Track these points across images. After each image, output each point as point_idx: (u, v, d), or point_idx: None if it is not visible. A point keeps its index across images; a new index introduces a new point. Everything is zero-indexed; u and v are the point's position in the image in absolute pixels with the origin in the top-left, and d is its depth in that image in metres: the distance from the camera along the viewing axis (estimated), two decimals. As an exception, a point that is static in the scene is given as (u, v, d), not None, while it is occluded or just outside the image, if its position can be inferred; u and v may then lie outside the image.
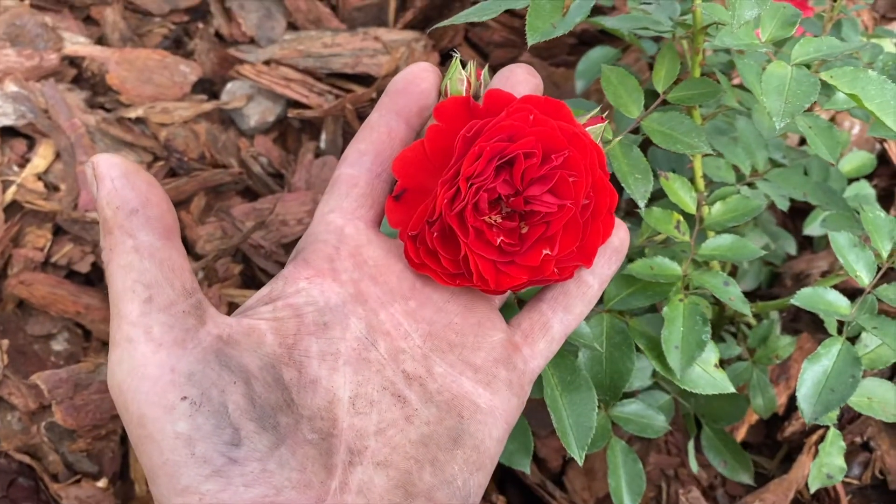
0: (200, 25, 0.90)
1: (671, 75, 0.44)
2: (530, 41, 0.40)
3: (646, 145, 0.47)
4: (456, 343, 0.36)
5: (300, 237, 0.42)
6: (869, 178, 0.75)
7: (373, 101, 0.84)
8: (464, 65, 0.39)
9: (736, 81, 0.63)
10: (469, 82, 0.37)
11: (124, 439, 0.64)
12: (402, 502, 0.32)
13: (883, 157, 0.80)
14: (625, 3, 0.63)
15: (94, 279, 0.72)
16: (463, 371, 0.36)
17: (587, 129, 0.37)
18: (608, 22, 0.51)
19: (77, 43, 0.84)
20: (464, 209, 0.34)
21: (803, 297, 0.44)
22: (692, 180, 0.49)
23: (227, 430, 0.30)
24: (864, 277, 0.45)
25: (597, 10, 0.85)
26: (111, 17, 0.87)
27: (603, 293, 0.46)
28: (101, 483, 0.61)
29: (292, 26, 0.92)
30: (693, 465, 0.57)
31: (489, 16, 0.43)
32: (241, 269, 0.72)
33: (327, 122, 0.83)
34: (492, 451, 0.35)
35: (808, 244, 0.76)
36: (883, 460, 0.68)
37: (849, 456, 0.69)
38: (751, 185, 0.53)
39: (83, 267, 0.72)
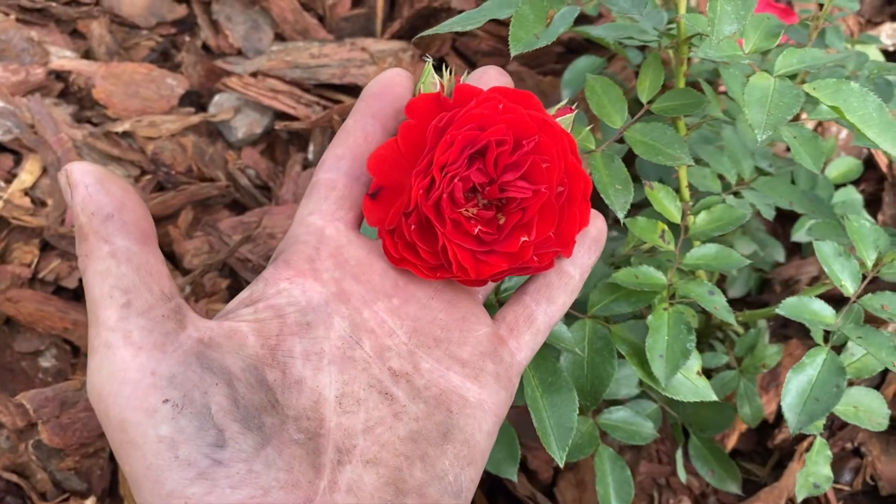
0: (187, 38, 0.90)
1: (655, 85, 0.44)
2: (513, 52, 0.40)
3: (634, 154, 0.47)
4: (441, 338, 0.36)
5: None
6: (856, 183, 0.76)
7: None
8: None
9: (723, 89, 0.63)
10: (442, 85, 0.37)
11: (113, 456, 0.64)
12: (393, 499, 0.32)
13: (870, 161, 0.80)
14: (611, 11, 0.63)
15: (83, 295, 0.72)
16: (450, 366, 0.36)
17: (557, 119, 0.37)
18: (594, 31, 0.51)
19: (63, 57, 0.84)
20: (440, 200, 0.34)
21: (788, 307, 0.44)
22: (679, 190, 0.49)
23: (210, 432, 0.30)
24: (850, 287, 0.45)
25: (584, 20, 0.85)
26: (97, 30, 0.87)
27: (586, 299, 0.46)
28: (90, 501, 0.61)
29: (280, 37, 0.91)
30: (681, 474, 0.57)
31: (473, 26, 0.44)
32: (228, 284, 0.72)
33: (315, 133, 0.83)
34: (482, 444, 0.35)
35: (797, 250, 0.77)
36: (874, 466, 0.68)
37: (840, 462, 0.69)
38: (736, 194, 0.53)
39: (71, 282, 0.72)
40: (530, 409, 0.42)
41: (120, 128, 0.79)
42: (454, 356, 0.36)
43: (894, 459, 0.68)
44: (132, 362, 0.30)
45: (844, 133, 0.81)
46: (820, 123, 0.81)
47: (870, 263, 0.46)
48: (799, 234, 0.69)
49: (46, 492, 0.62)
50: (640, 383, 0.52)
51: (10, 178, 0.77)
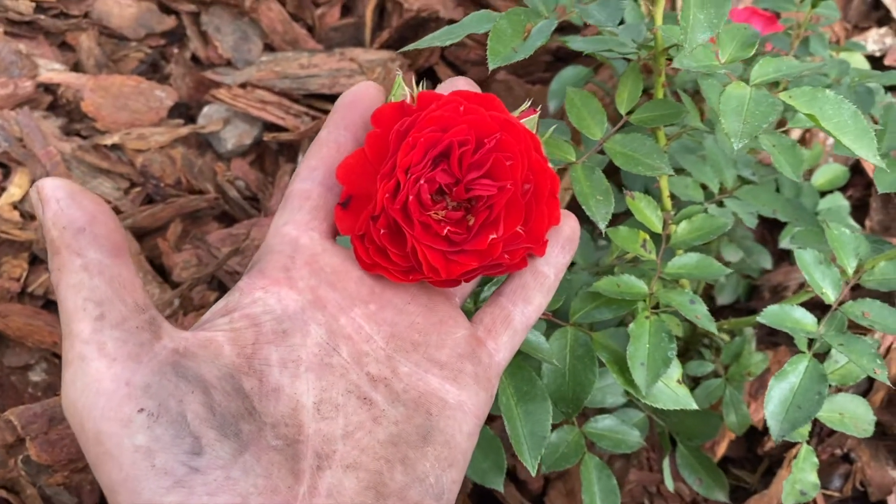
0: (176, 50, 0.90)
1: (634, 97, 0.45)
2: (491, 66, 0.41)
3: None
4: (419, 342, 0.36)
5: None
6: (844, 189, 0.76)
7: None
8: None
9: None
10: (412, 97, 0.37)
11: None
12: (374, 503, 0.32)
13: (857, 167, 0.80)
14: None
15: (71, 307, 0.72)
16: (428, 369, 0.36)
17: (521, 120, 0.38)
18: (574, 44, 0.51)
19: (52, 70, 0.84)
20: (406, 202, 0.34)
21: (770, 315, 0.44)
22: (661, 199, 0.49)
23: (187, 440, 0.30)
24: (831, 294, 0.45)
25: (571, 29, 0.86)
26: (86, 43, 0.87)
27: (568, 307, 0.46)
28: (79, 515, 0.61)
29: (269, 48, 0.92)
30: (668, 482, 0.57)
31: (453, 40, 0.44)
32: (216, 297, 0.72)
33: (304, 143, 0.84)
34: (463, 446, 0.35)
35: (786, 256, 0.77)
36: (863, 472, 0.68)
37: (829, 468, 0.69)
38: (719, 203, 0.54)
39: (60, 295, 0.71)
40: (504, 417, 0.42)
41: (109, 140, 0.79)
42: (432, 359, 0.36)
43: (883, 465, 0.68)
44: (106, 373, 0.30)
45: (832, 140, 0.82)
46: (808, 130, 0.81)
47: (850, 271, 0.46)
48: (786, 241, 0.69)
49: (35, 507, 0.62)
50: (627, 392, 0.52)
51: (-1, 191, 0.77)
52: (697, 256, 0.45)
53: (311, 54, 0.90)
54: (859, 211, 0.79)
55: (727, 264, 0.71)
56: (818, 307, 0.47)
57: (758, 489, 0.68)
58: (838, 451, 0.69)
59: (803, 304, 0.50)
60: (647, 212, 0.46)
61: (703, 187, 0.53)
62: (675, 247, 0.47)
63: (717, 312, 0.76)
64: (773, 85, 0.50)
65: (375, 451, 0.33)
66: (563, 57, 0.91)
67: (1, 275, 0.72)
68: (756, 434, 0.69)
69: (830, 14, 0.60)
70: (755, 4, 0.63)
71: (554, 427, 0.51)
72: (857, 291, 0.48)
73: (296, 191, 0.37)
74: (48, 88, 0.84)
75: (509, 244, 0.36)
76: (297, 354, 0.34)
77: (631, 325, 0.43)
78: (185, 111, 0.86)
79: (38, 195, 0.32)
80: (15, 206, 0.76)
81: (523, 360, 0.43)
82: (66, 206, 0.31)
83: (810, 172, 0.74)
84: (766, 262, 0.67)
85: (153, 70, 0.89)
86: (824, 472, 0.68)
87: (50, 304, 0.72)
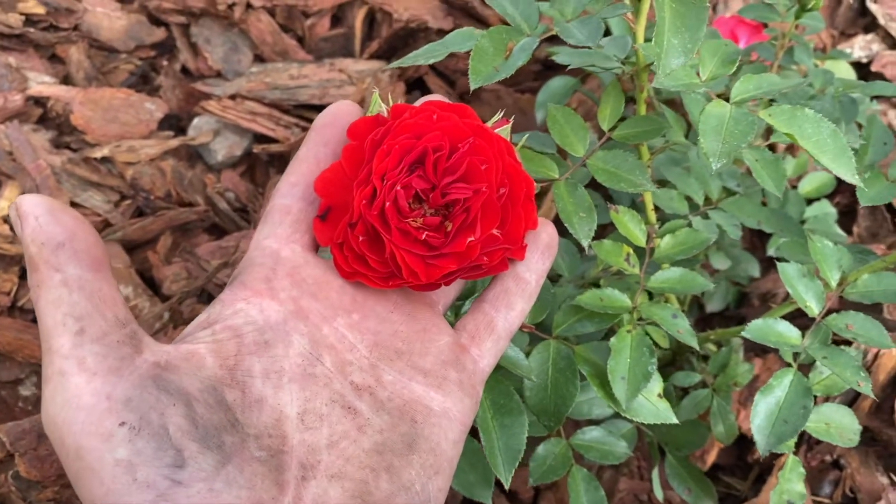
0: (166, 62, 0.90)
1: (616, 113, 0.45)
2: (473, 85, 0.41)
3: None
4: (403, 350, 0.36)
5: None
6: (831, 196, 0.76)
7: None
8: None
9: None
10: (389, 111, 0.37)
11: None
12: None
13: (845, 174, 0.81)
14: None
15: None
16: (412, 377, 0.36)
17: (495, 130, 0.38)
18: (559, 58, 0.52)
19: (42, 83, 0.85)
20: (383, 208, 0.34)
21: (754, 330, 0.44)
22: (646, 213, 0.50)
23: (169, 452, 0.29)
24: (814, 307, 0.45)
25: (560, 40, 0.86)
26: (76, 55, 0.87)
27: (551, 321, 0.46)
28: (70, 530, 0.61)
29: (259, 59, 0.92)
30: (657, 492, 0.57)
31: (435, 58, 0.44)
32: (207, 309, 0.72)
33: (294, 155, 0.84)
34: (449, 453, 0.35)
35: (775, 263, 0.77)
36: (853, 478, 0.68)
37: (819, 475, 0.69)
38: (704, 215, 0.54)
39: (50, 309, 0.72)
40: (480, 429, 0.42)
41: (99, 153, 0.80)
42: (416, 367, 0.36)
43: (873, 472, 0.68)
44: (86, 388, 0.30)
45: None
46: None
47: (833, 283, 0.46)
48: (774, 250, 0.70)
49: (26, 522, 0.62)
50: (613, 403, 0.52)
51: (-11, 205, 0.77)
52: (680, 271, 0.46)
53: (301, 65, 0.90)
54: (847, 217, 0.80)
55: (715, 272, 0.72)
56: (803, 318, 0.47)
57: (748, 497, 0.69)
58: (828, 458, 0.69)
59: (791, 315, 0.50)
60: (631, 226, 0.47)
61: (688, 199, 0.53)
62: (658, 261, 0.47)
63: (707, 320, 0.76)
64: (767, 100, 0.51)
65: (360, 460, 0.33)
66: (553, 66, 0.91)
67: (-9, 289, 0.72)
68: (746, 442, 0.69)
69: (815, 24, 0.60)
70: (740, 14, 0.64)
71: (541, 439, 0.51)
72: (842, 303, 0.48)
73: (276, 206, 0.38)
74: (38, 101, 0.84)
75: (487, 246, 0.36)
76: (279, 365, 0.34)
77: (612, 340, 0.43)
78: (175, 123, 0.86)
79: (17, 212, 0.32)
80: (5, 220, 0.76)
81: (501, 375, 0.43)
82: (45, 222, 0.31)
83: (798, 179, 0.74)
84: (754, 270, 0.68)
85: (143, 82, 0.89)
86: (814, 479, 0.69)
87: (40, 319, 0.72)
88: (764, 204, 0.63)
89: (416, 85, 0.92)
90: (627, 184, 0.42)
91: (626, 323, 0.45)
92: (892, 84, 0.55)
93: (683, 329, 0.43)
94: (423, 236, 0.35)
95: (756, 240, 0.80)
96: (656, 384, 0.43)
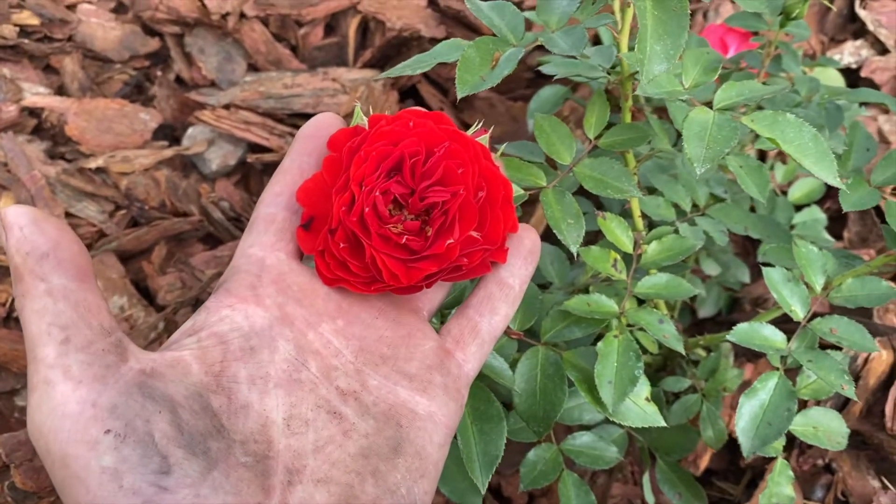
0: (160, 72, 0.91)
1: (601, 122, 0.45)
2: (460, 94, 0.41)
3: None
4: (388, 355, 0.37)
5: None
6: (821, 201, 0.77)
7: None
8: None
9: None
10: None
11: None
12: None
13: (835, 179, 0.81)
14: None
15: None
16: (398, 381, 0.36)
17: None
18: (547, 68, 0.52)
19: (36, 94, 0.85)
20: (363, 213, 0.35)
21: (739, 334, 0.45)
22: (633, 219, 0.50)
23: (154, 459, 0.30)
24: (799, 312, 0.46)
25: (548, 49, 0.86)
26: (70, 66, 0.87)
27: (539, 327, 0.47)
28: (65, 538, 0.61)
29: (253, 68, 0.93)
30: (649, 497, 0.58)
31: (423, 69, 0.44)
32: (201, 317, 0.72)
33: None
34: (434, 456, 0.36)
35: (769, 265, 0.77)
36: (845, 482, 0.68)
37: (811, 478, 0.69)
38: (691, 221, 0.54)
39: (45, 319, 0.72)
40: (459, 434, 0.43)
41: (93, 164, 0.80)
42: (402, 371, 0.36)
43: (864, 475, 0.68)
44: (72, 396, 0.30)
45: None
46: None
47: (818, 288, 0.47)
48: (761, 255, 0.70)
49: (22, 531, 0.62)
50: (603, 409, 0.52)
51: (-15, 216, 0.77)
52: (667, 277, 0.46)
53: (295, 74, 0.91)
54: (837, 223, 0.80)
55: (707, 278, 0.72)
56: (790, 323, 0.47)
57: (741, 501, 0.69)
58: (820, 462, 0.70)
59: (780, 320, 0.50)
60: (618, 232, 0.47)
61: (675, 206, 0.54)
62: (645, 267, 0.47)
63: (699, 325, 0.76)
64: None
65: (346, 464, 0.33)
66: (544, 73, 0.92)
67: (-14, 300, 0.72)
68: (738, 446, 0.70)
69: (800, 32, 0.60)
70: (727, 22, 0.64)
71: (531, 445, 0.52)
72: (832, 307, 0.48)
73: (261, 215, 0.38)
74: (32, 112, 0.84)
75: (466, 247, 0.36)
76: (265, 371, 0.34)
77: (599, 345, 0.43)
78: (169, 133, 0.87)
79: (2, 223, 0.32)
80: None
81: (482, 381, 0.44)
82: (29, 232, 0.31)
83: (789, 185, 0.75)
84: (744, 275, 0.68)
85: (138, 92, 0.90)
86: (806, 483, 0.69)
87: (35, 328, 0.72)
88: (753, 210, 0.63)
89: (409, 93, 0.93)
90: (614, 190, 0.42)
91: (614, 328, 0.45)
92: (875, 91, 0.56)
93: (669, 334, 0.43)
94: (404, 240, 0.35)
95: (748, 245, 0.81)
96: (643, 388, 0.44)
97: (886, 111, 0.86)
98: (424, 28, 0.92)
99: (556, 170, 0.47)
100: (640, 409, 0.43)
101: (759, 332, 0.45)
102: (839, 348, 0.63)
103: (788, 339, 0.46)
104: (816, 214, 0.70)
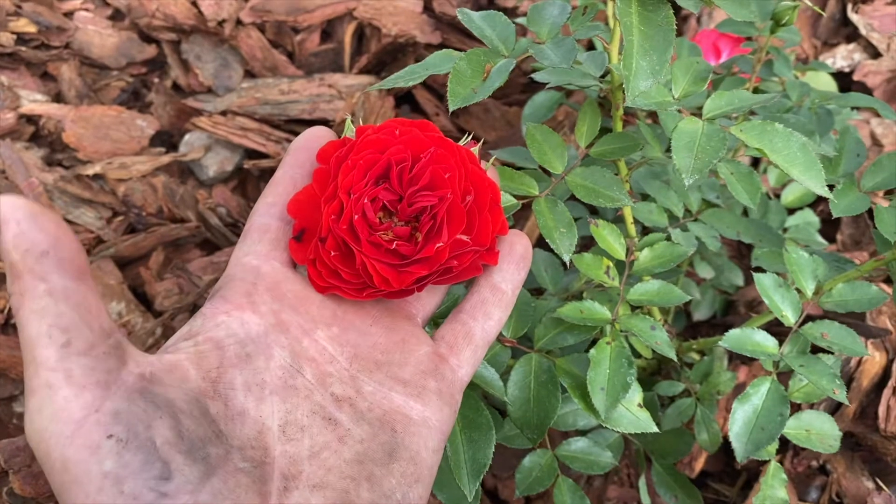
0: (157, 79, 0.91)
1: (593, 131, 0.46)
2: (451, 107, 0.42)
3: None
4: (382, 361, 0.37)
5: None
6: (814, 204, 0.77)
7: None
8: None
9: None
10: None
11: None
12: None
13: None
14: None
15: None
16: (392, 387, 0.36)
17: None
18: (539, 76, 0.53)
19: (34, 101, 0.85)
20: (352, 221, 0.35)
21: (731, 339, 0.45)
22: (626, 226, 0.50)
23: (156, 465, 0.30)
24: (791, 317, 0.46)
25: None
26: (67, 73, 0.88)
27: (533, 334, 0.47)
28: (64, 544, 0.62)
29: (249, 74, 0.93)
30: (645, 500, 0.58)
31: (415, 81, 0.45)
32: (199, 323, 0.73)
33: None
34: (429, 461, 0.36)
35: (762, 271, 0.78)
36: (839, 483, 0.69)
37: (806, 480, 0.70)
38: (683, 227, 0.55)
39: (43, 326, 0.72)
40: (447, 441, 0.43)
41: (91, 170, 0.80)
42: (396, 377, 0.37)
43: (858, 476, 0.69)
44: (75, 401, 0.30)
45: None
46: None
47: (809, 292, 0.47)
48: (754, 259, 0.70)
49: (21, 538, 0.62)
50: (597, 414, 0.53)
51: (-17, 224, 0.78)
52: (659, 283, 0.47)
53: (291, 80, 0.91)
54: (830, 226, 0.81)
55: (702, 281, 0.73)
56: (782, 327, 0.48)
57: (736, 502, 0.69)
58: (814, 463, 0.70)
59: (773, 324, 0.51)
60: (611, 240, 0.48)
61: (668, 212, 0.54)
62: (637, 274, 0.48)
63: (694, 328, 0.77)
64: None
65: (341, 469, 0.34)
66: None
67: (-15, 307, 0.73)
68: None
69: (791, 38, 0.61)
70: (718, 28, 0.65)
71: (527, 451, 0.52)
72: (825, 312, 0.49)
73: (255, 225, 0.38)
74: (30, 119, 0.85)
75: (456, 249, 0.37)
76: (261, 378, 0.34)
77: (591, 351, 0.44)
78: (166, 139, 0.87)
79: None
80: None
81: (472, 390, 0.44)
82: (28, 227, 0.30)
83: (782, 188, 0.75)
84: (738, 279, 0.68)
85: (135, 98, 0.90)
86: (801, 485, 0.69)
87: (34, 335, 0.73)
88: (746, 214, 0.64)
89: (405, 99, 0.93)
90: (606, 199, 0.43)
91: (607, 334, 0.45)
92: (865, 95, 0.56)
93: (662, 341, 0.44)
94: (394, 246, 0.36)
95: (742, 248, 0.81)
96: (636, 394, 0.44)
97: (879, 114, 0.87)
98: (420, 34, 0.92)
99: (549, 176, 0.47)
100: (632, 415, 0.44)
101: (751, 338, 0.45)
102: (831, 352, 0.63)
103: (781, 344, 0.46)
104: (809, 217, 0.71)
